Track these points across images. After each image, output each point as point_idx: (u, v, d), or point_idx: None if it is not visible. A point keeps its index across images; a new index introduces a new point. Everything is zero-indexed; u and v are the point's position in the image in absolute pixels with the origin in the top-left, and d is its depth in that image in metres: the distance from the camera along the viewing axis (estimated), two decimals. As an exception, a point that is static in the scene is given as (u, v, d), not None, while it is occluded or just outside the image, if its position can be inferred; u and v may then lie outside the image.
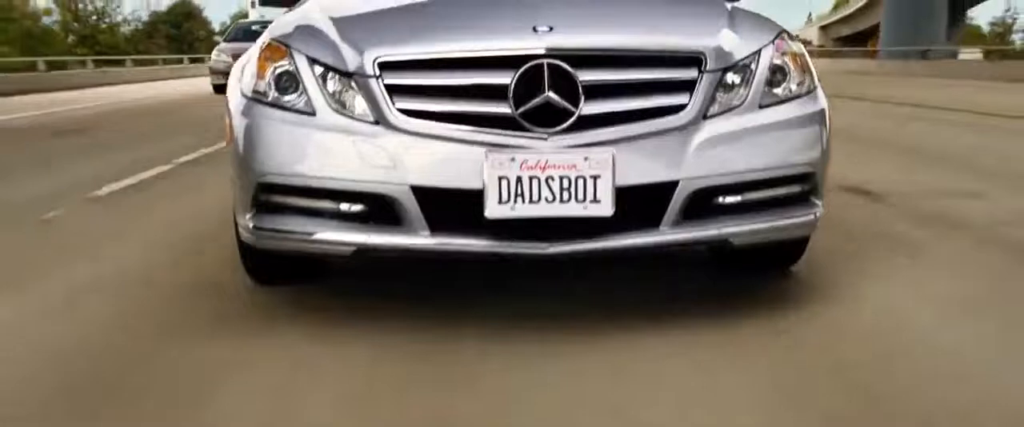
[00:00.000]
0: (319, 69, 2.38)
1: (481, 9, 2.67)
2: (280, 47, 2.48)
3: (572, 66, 2.24)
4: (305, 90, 2.37)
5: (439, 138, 2.25)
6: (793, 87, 2.51)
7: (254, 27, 18.35)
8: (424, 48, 2.35)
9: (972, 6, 59.37)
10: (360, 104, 2.32)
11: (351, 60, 2.34)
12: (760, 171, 2.39)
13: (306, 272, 2.88)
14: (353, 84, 2.33)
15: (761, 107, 2.42)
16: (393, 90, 2.29)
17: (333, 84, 2.36)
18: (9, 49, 37.13)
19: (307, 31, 2.55)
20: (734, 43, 2.44)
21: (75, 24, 48.05)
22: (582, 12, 2.61)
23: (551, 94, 2.23)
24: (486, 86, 2.26)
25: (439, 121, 2.26)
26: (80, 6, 47.78)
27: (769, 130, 2.41)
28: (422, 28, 2.51)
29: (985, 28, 69.22)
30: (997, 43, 58.79)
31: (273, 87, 2.42)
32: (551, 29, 2.31)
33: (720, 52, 2.38)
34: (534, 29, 2.31)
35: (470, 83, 2.27)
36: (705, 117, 2.34)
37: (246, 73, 2.55)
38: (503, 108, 2.24)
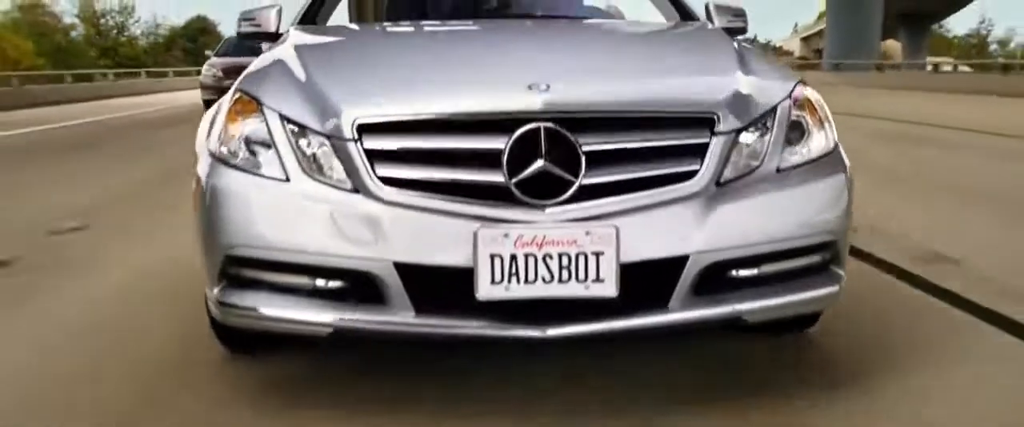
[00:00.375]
0: (293, 128, 2.03)
1: (472, 59, 2.33)
2: (251, 102, 2.13)
3: (572, 130, 1.91)
4: (277, 152, 2.02)
5: (425, 210, 1.91)
6: (812, 147, 2.16)
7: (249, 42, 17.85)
8: (408, 108, 2.01)
9: (940, 19, 59.16)
10: (338, 170, 1.97)
11: (328, 120, 1.99)
12: (778, 242, 2.04)
13: (282, 341, 2.52)
14: (330, 147, 1.98)
15: (779, 171, 2.07)
16: (374, 155, 1.95)
17: (308, 146, 2.01)
18: (45, 62, 37.25)
19: (281, 82, 2.20)
20: (749, 99, 2.10)
21: (97, 37, 48.03)
22: (582, 65, 2.27)
23: (548, 164, 1.89)
24: (477, 152, 1.92)
25: (424, 191, 1.91)
26: (101, 21, 47.79)
27: (788, 196, 2.06)
28: (406, 84, 2.17)
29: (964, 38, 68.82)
30: (974, 53, 58.41)
31: (242, 148, 2.08)
32: (548, 87, 1.97)
33: (734, 111, 2.03)
34: (531, 87, 1.97)
35: (459, 148, 1.93)
36: (718, 184, 1.99)
37: (214, 128, 2.21)
38: (496, 177, 1.90)
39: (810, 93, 2.27)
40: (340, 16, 3.38)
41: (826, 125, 2.22)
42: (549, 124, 1.90)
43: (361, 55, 2.50)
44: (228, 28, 42.23)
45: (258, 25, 3.07)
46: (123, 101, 20.40)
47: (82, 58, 42.11)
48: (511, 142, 1.89)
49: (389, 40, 2.85)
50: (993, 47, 63.52)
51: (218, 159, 2.10)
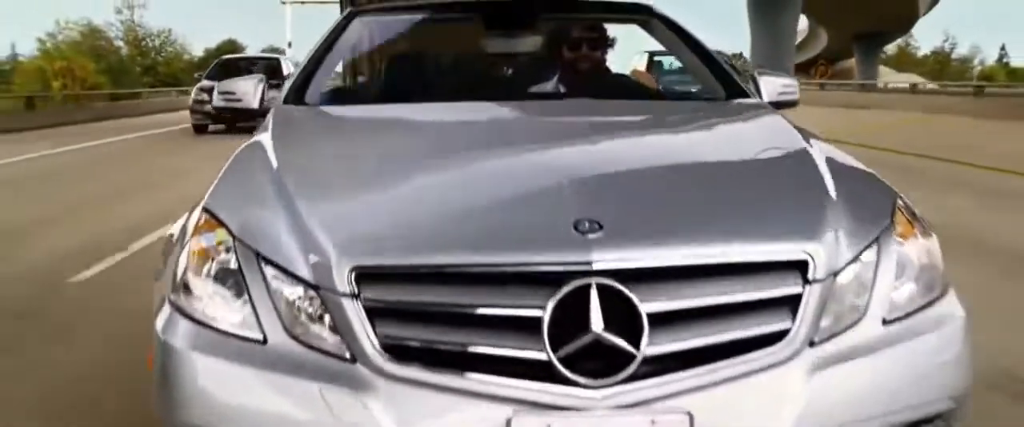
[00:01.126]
0: (272, 272, 1.41)
1: (499, 178, 1.70)
2: (219, 227, 1.51)
3: (631, 286, 1.29)
4: (251, 304, 1.40)
5: (441, 389, 1.30)
6: (922, 285, 1.53)
7: (241, 63, 16.75)
8: (422, 253, 1.38)
9: (890, 40, 58.48)
10: (329, 330, 1.36)
11: (317, 264, 1.37)
12: (889, 415, 1.42)
13: None
14: (320, 300, 1.37)
15: (885, 323, 1.46)
16: (376, 314, 1.33)
17: (291, 294, 1.40)
18: (104, 80, 37.70)
19: (257, 206, 1.56)
20: (846, 230, 1.47)
21: (139, 57, 47.95)
22: (635, 187, 1.63)
23: (602, 332, 1.28)
24: (510, 315, 1.31)
25: (442, 365, 1.30)
26: (143, 43, 48.02)
27: (900, 356, 1.43)
28: (419, 216, 1.52)
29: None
30: (936, 72, 57.39)
31: (207, 294, 1.46)
32: (600, 228, 1.35)
33: (830, 248, 1.41)
34: (577, 228, 1.35)
35: (486, 305, 1.31)
36: (812, 344, 1.38)
37: (174, 263, 1.57)
38: (535, 347, 1.29)
39: (911, 209, 1.65)
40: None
41: (932, 249, 1.60)
42: (603, 280, 1.29)
43: (358, 166, 1.85)
44: (254, 52, 42.11)
45: (238, 99, 2.43)
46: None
47: (130, 76, 42.29)
48: (554, 304, 1.28)
49: (392, 140, 2.16)
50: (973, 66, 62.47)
51: (177, 308, 1.49)
